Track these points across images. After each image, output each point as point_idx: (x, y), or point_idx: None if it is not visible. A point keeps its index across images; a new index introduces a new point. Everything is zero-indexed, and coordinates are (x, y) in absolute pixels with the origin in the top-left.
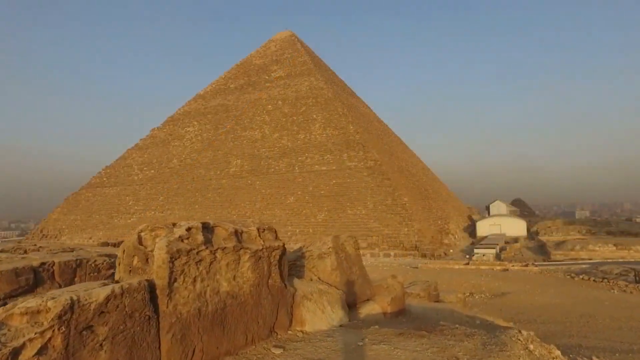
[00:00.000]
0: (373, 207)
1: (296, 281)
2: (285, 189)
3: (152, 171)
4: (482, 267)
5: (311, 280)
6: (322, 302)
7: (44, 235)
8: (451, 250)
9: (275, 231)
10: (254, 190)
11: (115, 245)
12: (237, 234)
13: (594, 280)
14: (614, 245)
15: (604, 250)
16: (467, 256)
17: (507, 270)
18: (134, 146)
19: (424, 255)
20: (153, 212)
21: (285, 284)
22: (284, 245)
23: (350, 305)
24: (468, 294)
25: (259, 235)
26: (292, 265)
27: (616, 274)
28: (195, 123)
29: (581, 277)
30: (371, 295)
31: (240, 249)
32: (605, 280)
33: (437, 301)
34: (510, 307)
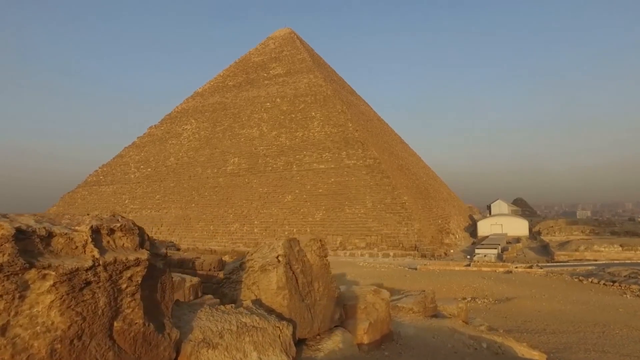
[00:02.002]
0: (372, 206)
1: (202, 313)
2: (283, 188)
3: (149, 169)
4: (484, 268)
5: (241, 307)
6: (240, 347)
7: None
8: (452, 251)
9: (141, 232)
10: (251, 188)
11: None
12: (32, 238)
13: (604, 284)
14: (620, 246)
15: (610, 251)
16: (468, 257)
17: (511, 272)
18: (131, 144)
19: (423, 256)
20: (149, 211)
21: (162, 324)
22: (160, 256)
23: (309, 338)
24: (470, 298)
25: (96, 241)
26: (225, 281)
27: (625, 276)
28: (193, 121)
29: (590, 280)
30: (342, 320)
31: (30, 268)
32: (617, 283)
33: (435, 315)
34: (515, 314)
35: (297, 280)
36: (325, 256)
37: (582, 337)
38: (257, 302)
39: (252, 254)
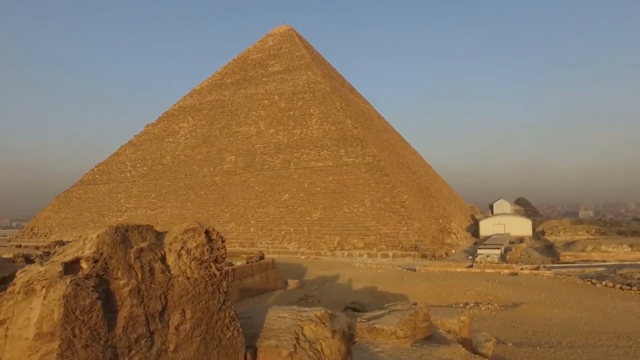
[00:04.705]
0: (371, 204)
1: None
2: (280, 186)
3: (145, 168)
4: (488, 270)
5: None
6: None
7: (34, 233)
8: (453, 251)
9: None
10: (247, 187)
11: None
12: None
13: (620, 288)
14: (630, 246)
15: (619, 252)
16: (470, 257)
17: (516, 274)
18: (128, 142)
19: (424, 256)
20: (145, 210)
21: None
22: None
23: None
24: (472, 304)
25: None
26: None
27: (638, 278)
28: (190, 119)
29: (604, 283)
30: None
31: None
32: (635, 287)
33: (429, 337)
34: (525, 322)
35: (117, 312)
36: (217, 260)
37: (606, 352)
38: None
39: (56, 253)
